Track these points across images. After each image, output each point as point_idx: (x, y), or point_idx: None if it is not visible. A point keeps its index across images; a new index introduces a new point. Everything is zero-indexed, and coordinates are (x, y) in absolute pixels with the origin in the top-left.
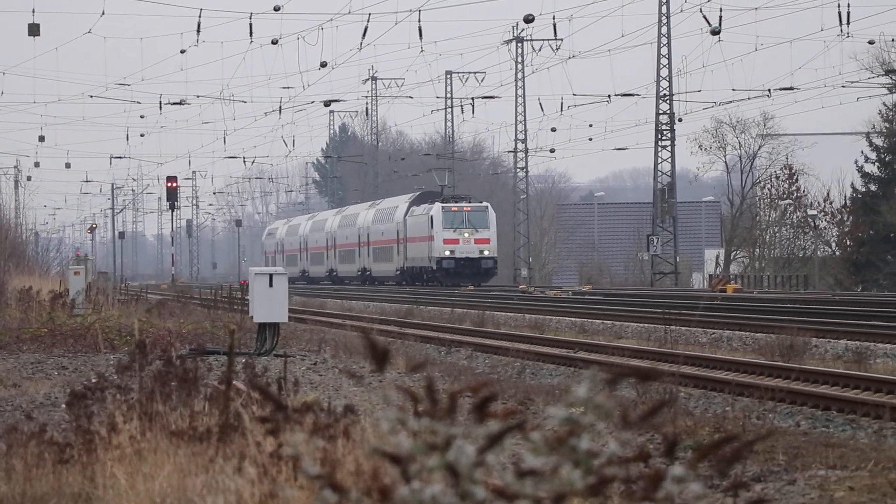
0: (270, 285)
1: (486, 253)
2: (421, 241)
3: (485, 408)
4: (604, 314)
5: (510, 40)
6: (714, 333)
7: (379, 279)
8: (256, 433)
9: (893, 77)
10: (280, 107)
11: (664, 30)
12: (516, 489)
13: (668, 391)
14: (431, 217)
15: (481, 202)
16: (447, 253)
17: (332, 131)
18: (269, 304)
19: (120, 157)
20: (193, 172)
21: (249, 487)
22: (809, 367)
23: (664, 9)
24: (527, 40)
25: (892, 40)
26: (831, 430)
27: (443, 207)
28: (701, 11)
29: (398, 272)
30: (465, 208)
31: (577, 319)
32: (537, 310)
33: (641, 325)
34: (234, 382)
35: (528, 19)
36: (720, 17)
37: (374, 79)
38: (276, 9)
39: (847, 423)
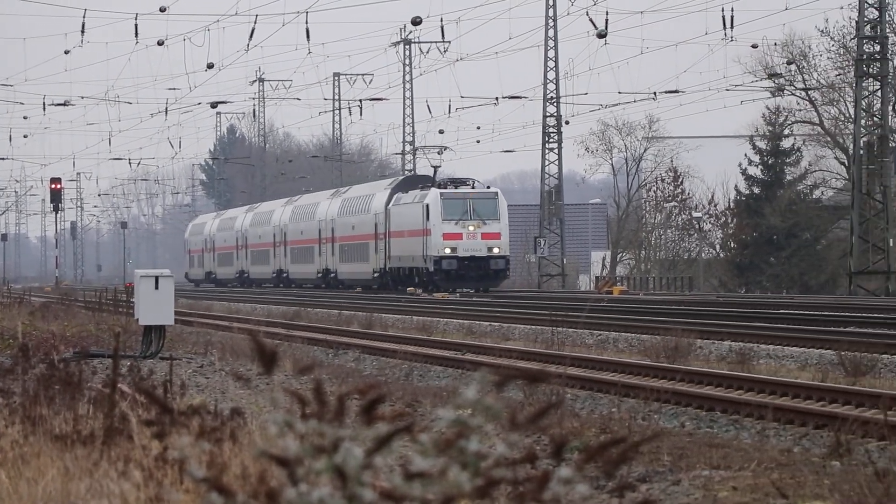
0: (156, 287)
1: (495, 250)
2: (411, 235)
3: (373, 410)
4: (491, 316)
5: (398, 42)
6: (600, 335)
7: (348, 283)
8: (142, 436)
9: (776, 81)
10: (166, 108)
11: (551, 33)
12: (404, 491)
13: (556, 393)
14: (427, 206)
15: (488, 187)
16: (447, 251)
17: (219, 133)
18: (155, 306)
19: (3, 159)
20: (78, 174)
21: (135, 491)
22: (694, 369)
23: (551, 12)
24: (414, 42)
25: (775, 44)
26: (715, 430)
27: (441, 194)
28: (587, 14)
29: (376, 274)
30: (469, 195)
31: (465, 321)
32: (425, 311)
33: (529, 326)
34: (119, 385)
35: (416, 21)
36: (606, 20)
37: (261, 80)
38: (162, 9)
39: (731, 424)
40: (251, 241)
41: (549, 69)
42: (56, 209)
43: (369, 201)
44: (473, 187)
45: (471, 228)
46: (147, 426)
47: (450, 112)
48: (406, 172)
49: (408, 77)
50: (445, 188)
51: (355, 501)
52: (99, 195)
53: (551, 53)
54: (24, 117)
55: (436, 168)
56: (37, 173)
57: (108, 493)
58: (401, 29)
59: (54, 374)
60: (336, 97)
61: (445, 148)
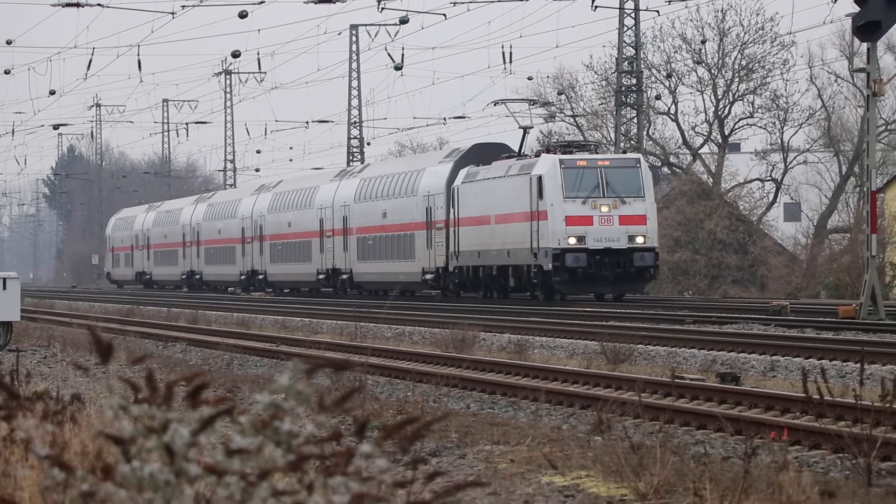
0: (4, 288)
1: (639, 240)
2: (504, 221)
3: (197, 395)
4: (303, 312)
5: (220, 73)
6: (398, 329)
7: (372, 287)
8: (28, 420)
9: (548, 108)
10: (13, 130)
11: (354, 65)
12: (225, 466)
13: (358, 379)
14: (539, 179)
15: (624, 151)
16: (572, 241)
17: (60, 152)
18: (2, 304)
19: None
20: None
21: None
22: (478, 357)
23: (354, 46)
24: (234, 73)
25: (548, 77)
26: (496, 411)
27: (562, 162)
28: (386, 50)
29: (429, 276)
30: (600, 162)
31: (280, 317)
32: (245, 309)
33: (335, 322)
34: None
35: (236, 54)
36: (402, 54)
37: (98, 105)
38: (9, 42)
39: (509, 405)
40: (205, 238)
41: (352, 97)
42: None
43: (414, 180)
44: (595, 152)
45: (604, 210)
46: None
47: (266, 134)
48: (228, 187)
49: (229, 103)
50: (568, 154)
51: (181, 475)
52: None
53: (355, 83)
54: None
55: (526, 129)
56: None
57: None
58: (222, 61)
59: None
60: (165, 121)
61: (535, 102)
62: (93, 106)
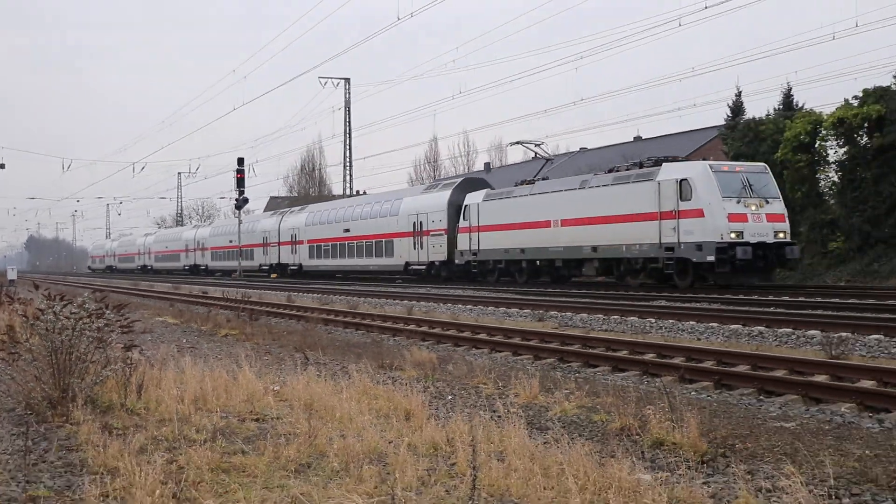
0: (13, 270)
1: (781, 236)
2: (600, 221)
3: (62, 298)
4: (122, 278)
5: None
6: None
7: (319, 274)
8: (17, 305)
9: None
10: (19, 229)
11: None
12: (69, 315)
13: (107, 294)
14: (689, 182)
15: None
16: (732, 235)
17: (29, 233)
18: (12, 275)
19: None
20: None
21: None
22: (182, 293)
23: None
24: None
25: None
26: (147, 302)
27: (712, 166)
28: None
29: (417, 267)
30: (738, 168)
31: (123, 281)
32: (109, 277)
33: (127, 281)
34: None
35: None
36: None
37: (38, 223)
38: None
39: (153, 301)
40: (155, 249)
41: None
42: None
43: (392, 206)
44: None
45: (754, 209)
46: (7, 302)
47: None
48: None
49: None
50: (717, 161)
51: (58, 318)
52: None
53: None
54: None
55: (548, 159)
56: None
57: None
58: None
59: None
60: (66, 226)
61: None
62: (36, 223)
